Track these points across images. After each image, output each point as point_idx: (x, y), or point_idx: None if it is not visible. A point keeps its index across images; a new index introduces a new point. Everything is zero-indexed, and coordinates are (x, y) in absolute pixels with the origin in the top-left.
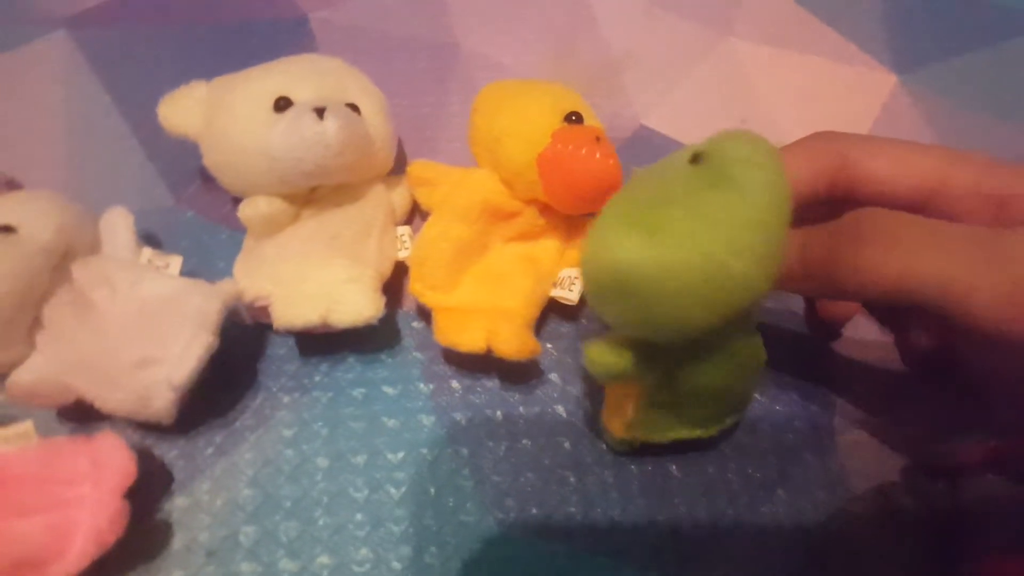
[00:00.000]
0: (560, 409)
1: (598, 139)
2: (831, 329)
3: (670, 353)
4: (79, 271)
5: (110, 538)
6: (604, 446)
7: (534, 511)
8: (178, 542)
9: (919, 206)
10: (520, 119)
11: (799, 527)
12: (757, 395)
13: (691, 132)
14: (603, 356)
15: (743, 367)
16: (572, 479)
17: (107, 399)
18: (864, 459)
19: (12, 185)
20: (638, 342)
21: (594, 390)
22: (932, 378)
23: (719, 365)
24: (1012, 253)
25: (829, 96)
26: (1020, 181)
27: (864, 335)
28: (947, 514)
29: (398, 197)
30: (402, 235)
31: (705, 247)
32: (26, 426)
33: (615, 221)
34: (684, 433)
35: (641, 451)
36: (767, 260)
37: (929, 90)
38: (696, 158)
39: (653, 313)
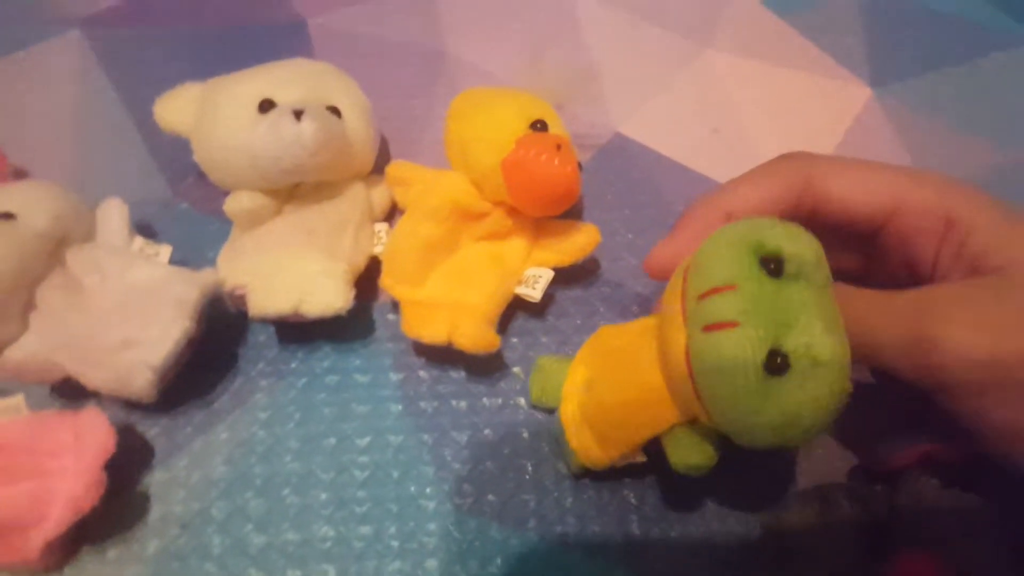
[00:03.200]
0: (522, 401)
1: (559, 147)
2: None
3: None
4: (73, 257)
5: (86, 505)
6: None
7: (490, 497)
8: (155, 513)
9: (879, 224)
10: (488, 125)
11: (743, 524)
12: None
13: (665, 141)
14: (691, 458)
15: None
16: (529, 468)
17: (91, 377)
18: (813, 461)
19: (19, 175)
20: (715, 434)
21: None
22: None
23: None
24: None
25: (802, 108)
26: (967, 203)
27: None
28: (883, 516)
29: (378, 195)
30: (379, 231)
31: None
32: (16, 400)
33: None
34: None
35: None
36: None
37: (903, 104)
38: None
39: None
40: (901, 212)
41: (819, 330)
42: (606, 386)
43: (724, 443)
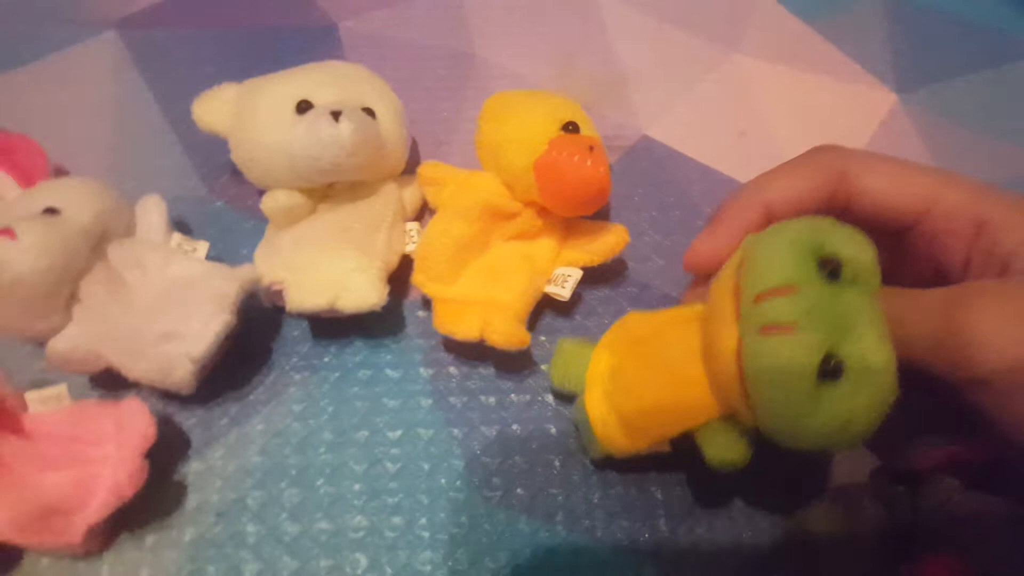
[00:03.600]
0: (549, 398)
1: (591, 148)
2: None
3: None
4: (114, 252)
5: (129, 492)
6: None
7: (519, 491)
8: (191, 502)
9: (912, 222)
10: (521, 127)
11: (768, 523)
12: None
13: (692, 143)
14: (727, 454)
15: None
16: (557, 463)
17: (133, 368)
18: (838, 463)
19: (59, 173)
20: (750, 429)
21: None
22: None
23: None
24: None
25: (828, 112)
26: (999, 204)
27: None
28: (906, 518)
29: (409, 195)
30: (410, 230)
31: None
32: (59, 389)
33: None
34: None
35: None
36: None
37: (928, 109)
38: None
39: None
40: (933, 212)
41: (873, 337)
42: (636, 376)
43: (753, 440)
